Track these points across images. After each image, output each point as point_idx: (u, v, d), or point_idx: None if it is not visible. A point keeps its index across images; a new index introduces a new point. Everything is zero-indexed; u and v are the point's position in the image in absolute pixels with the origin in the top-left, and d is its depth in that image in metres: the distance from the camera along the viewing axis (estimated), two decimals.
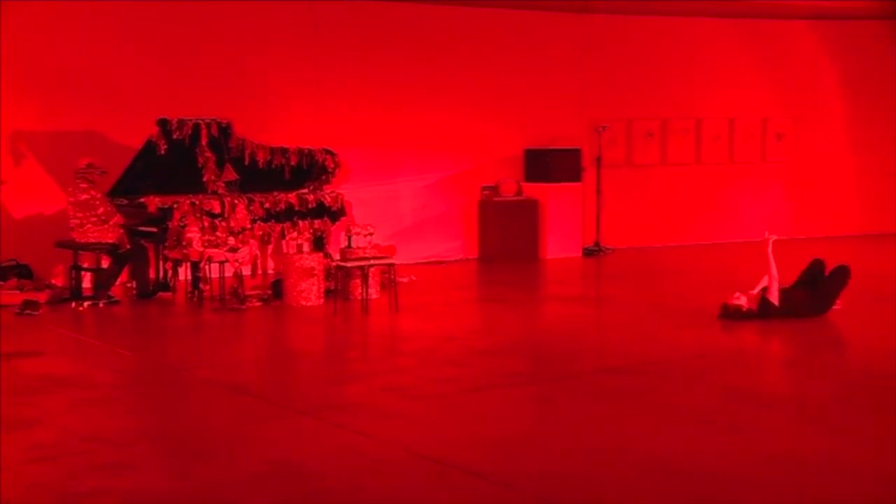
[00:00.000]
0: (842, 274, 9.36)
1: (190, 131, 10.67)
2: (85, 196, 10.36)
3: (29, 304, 9.99)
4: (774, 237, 9.34)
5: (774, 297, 9.15)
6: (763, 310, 9.14)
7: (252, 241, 10.92)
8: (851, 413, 6.53)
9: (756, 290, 9.24)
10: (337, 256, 10.73)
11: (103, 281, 10.54)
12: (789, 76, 16.00)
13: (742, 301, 9.21)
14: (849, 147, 16.43)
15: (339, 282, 10.48)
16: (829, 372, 7.81)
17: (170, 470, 5.47)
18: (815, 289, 9.30)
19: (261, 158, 11.17)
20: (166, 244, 10.54)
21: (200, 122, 10.75)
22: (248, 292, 10.43)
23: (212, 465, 5.49)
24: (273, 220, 11.01)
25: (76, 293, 10.54)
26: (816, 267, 9.47)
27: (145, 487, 5.12)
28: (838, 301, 9.38)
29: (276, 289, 10.58)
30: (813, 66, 16.13)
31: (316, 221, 11.28)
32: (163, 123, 10.58)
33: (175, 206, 10.45)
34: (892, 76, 16.28)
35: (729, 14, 15.13)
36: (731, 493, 5.00)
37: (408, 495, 5.03)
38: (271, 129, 11.97)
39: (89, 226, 10.37)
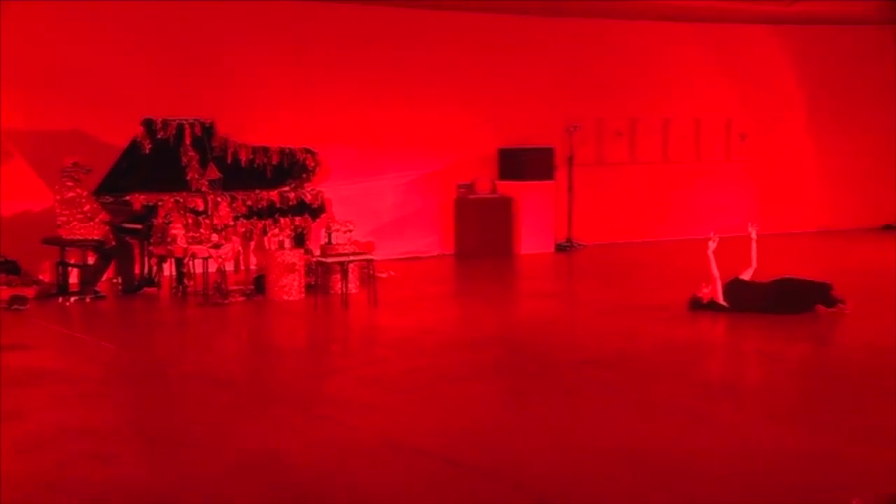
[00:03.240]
0: (820, 290, 9.19)
1: (174, 131, 10.60)
2: (71, 194, 10.25)
3: (17, 300, 9.89)
4: (716, 241, 9.31)
5: (719, 297, 9.20)
6: (715, 308, 9.19)
7: (235, 237, 10.83)
8: (818, 404, 6.55)
9: (706, 291, 9.26)
10: (317, 252, 10.68)
11: (89, 277, 10.45)
12: (752, 78, 16.03)
13: (705, 293, 9.26)
14: (809, 146, 16.51)
15: (319, 277, 10.43)
16: (797, 364, 7.81)
17: (154, 461, 5.41)
18: (792, 295, 9.17)
19: (243, 157, 11.10)
20: (151, 241, 10.48)
21: (184, 122, 10.68)
22: (231, 287, 10.37)
23: (195, 456, 5.44)
24: (255, 218, 10.95)
25: (63, 289, 10.43)
26: (820, 288, 9.24)
27: (130, 478, 5.07)
28: (845, 306, 9.13)
29: (259, 284, 10.53)
30: (774, 69, 16.17)
31: (297, 218, 11.22)
32: (148, 123, 10.50)
33: (160, 203, 10.38)
34: (849, 78, 16.41)
35: (694, 18, 15.15)
36: (697, 482, 4.99)
37: (386, 483, 4.99)
38: (253, 128, 11.86)
39: (75, 223, 10.26)
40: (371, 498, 4.82)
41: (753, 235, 9.51)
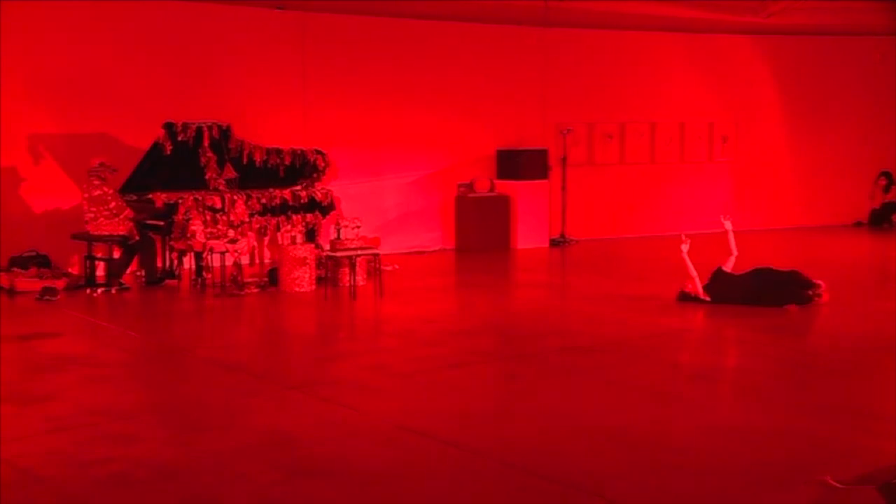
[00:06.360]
0: (798, 281, 9.08)
1: (193, 133, 10.57)
2: (98, 192, 10.25)
3: (48, 291, 9.89)
4: (688, 243, 9.24)
5: (700, 293, 9.16)
6: (699, 301, 9.15)
7: (250, 233, 10.82)
8: (792, 388, 6.54)
9: (689, 288, 9.22)
10: (327, 247, 10.67)
11: (115, 269, 10.44)
12: (733, 85, 16.00)
13: (690, 287, 9.23)
14: (786, 148, 16.49)
15: (329, 270, 10.42)
16: (771, 352, 7.78)
17: (172, 440, 5.41)
18: (771, 288, 9.05)
19: (258, 158, 11.07)
20: (172, 236, 10.47)
21: (203, 125, 10.65)
22: (246, 279, 10.37)
23: (211, 435, 5.44)
24: (269, 214, 10.93)
25: (90, 280, 10.44)
26: (797, 279, 9.13)
27: (150, 456, 5.06)
28: (823, 293, 9.06)
29: (272, 276, 10.51)
30: (753, 76, 16.14)
31: (308, 215, 11.19)
32: (169, 127, 10.48)
33: (180, 201, 10.36)
34: (822, 84, 16.40)
35: (679, 29, 15.11)
36: (677, 458, 4.98)
37: (389, 462, 4.99)
38: (267, 130, 11.85)
39: (102, 219, 10.26)
40: (376, 476, 4.81)
41: (728, 227, 9.47)
